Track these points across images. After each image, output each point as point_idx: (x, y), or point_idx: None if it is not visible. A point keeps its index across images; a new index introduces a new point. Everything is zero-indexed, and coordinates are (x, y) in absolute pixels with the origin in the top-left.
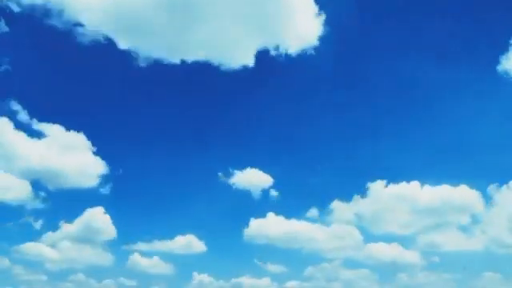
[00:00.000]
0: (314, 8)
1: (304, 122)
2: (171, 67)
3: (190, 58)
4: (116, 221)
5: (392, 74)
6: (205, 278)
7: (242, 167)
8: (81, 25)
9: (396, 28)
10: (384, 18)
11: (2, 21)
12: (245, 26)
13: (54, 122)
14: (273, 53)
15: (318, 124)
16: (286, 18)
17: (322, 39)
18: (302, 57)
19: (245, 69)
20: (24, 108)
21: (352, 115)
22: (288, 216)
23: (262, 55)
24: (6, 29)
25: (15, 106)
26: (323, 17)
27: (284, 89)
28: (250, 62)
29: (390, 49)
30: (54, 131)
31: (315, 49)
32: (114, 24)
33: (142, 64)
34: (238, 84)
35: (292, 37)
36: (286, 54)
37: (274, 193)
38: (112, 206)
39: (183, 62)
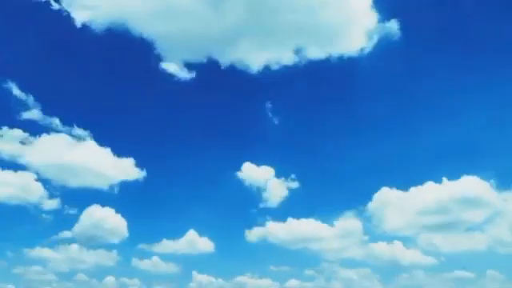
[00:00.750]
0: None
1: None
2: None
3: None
4: (126, 221)
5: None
6: (213, 278)
7: (248, 168)
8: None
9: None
10: None
11: None
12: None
13: (63, 118)
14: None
15: (329, 126)
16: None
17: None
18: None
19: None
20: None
21: (358, 115)
22: (292, 216)
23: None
24: None
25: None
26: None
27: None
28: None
29: None
30: (62, 128)
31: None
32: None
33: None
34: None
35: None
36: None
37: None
38: (119, 206)
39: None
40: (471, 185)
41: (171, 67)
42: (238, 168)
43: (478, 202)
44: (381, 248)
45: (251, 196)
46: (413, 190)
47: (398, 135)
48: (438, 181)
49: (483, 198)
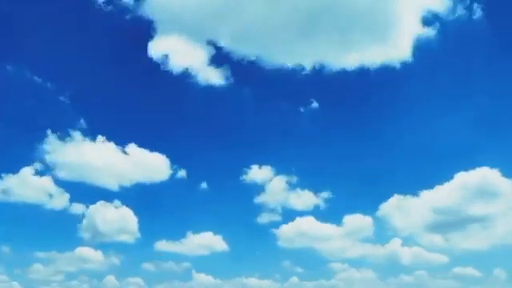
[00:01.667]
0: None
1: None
2: None
3: None
4: (136, 219)
5: None
6: (215, 278)
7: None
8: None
9: None
10: None
11: None
12: None
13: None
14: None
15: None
16: None
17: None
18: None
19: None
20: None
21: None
22: (292, 215)
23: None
24: None
25: None
26: None
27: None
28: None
29: None
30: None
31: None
32: None
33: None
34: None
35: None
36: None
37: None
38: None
39: None
40: (481, 181)
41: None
42: (243, 167)
43: (491, 197)
44: (387, 248)
45: (254, 194)
46: (421, 192)
47: (406, 136)
48: (446, 180)
49: (496, 193)
